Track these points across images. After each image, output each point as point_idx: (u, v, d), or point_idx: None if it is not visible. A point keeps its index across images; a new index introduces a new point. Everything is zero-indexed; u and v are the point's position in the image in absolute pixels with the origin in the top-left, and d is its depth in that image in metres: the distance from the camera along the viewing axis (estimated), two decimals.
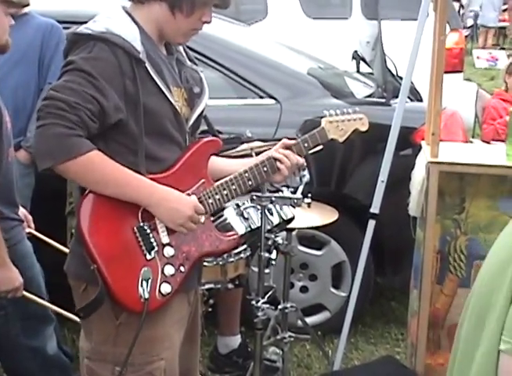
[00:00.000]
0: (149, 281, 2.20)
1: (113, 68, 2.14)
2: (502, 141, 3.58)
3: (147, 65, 2.18)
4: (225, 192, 2.34)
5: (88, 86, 2.10)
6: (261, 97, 4.13)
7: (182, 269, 2.28)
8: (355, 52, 5.27)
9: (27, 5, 3.08)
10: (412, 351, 3.59)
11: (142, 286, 2.19)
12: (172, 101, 2.24)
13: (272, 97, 4.12)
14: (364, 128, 2.60)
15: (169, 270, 2.25)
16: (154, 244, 2.23)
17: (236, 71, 4.14)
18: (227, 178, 2.36)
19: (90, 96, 2.10)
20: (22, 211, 3.17)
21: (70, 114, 2.08)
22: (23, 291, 2.94)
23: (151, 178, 2.23)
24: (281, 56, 4.68)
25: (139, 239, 2.22)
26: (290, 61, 4.59)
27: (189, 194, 2.30)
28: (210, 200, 2.32)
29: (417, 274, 3.56)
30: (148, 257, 2.22)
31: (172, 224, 2.22)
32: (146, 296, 2.18)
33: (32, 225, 3.31)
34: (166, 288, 2.24)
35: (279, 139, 2.49)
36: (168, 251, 2.25)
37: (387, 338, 4.34)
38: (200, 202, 2.30)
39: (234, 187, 2.36)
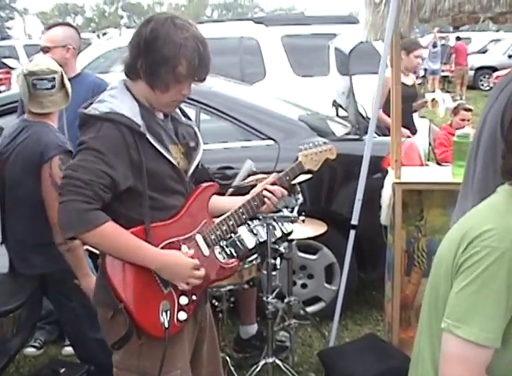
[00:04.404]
0: (168, 312, 2.06)
1: (119, 143, 1.98)
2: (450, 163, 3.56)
3: (148, 136, 2.03)
4: (224, 228, 2.21)
5: (98, 162, 1.95)
6: (263, 139, 4.09)
7: (193, 297, 2.14)
8: (334, 100, 5.28)
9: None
10: (389, 328, 3.55)
11: (162, 316, 2.05)
12: (171, 159, 2.08)
13: (271, 138, 4.09)
14: (333, 157, 2.45)
15: (183, 300, 2.11)
16: None
17: (243, 120, 4.11)
18: (225, 216, 2.23)
19: (101, 172, 1.94)
20: None
21: (86, 190, 1.92)
22: None
23: (161, 225, 2.09)
24: (277, 106, 4.66)
25: (156, 278, 2.06)
26: (284, 110, 4.57)
27: (194, 234, 2.16)
28: (212, 237, 2.18)
29: (390, 269, 3.53)
30: (164, 291, 2.08)
31: (176, 282, 2.07)
32: (167, 325, 2.04)
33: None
34: (182, 316, 2.11)
35: (279, 171, 2.38)
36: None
37: (370, 319, 4.28)
38: (204, 239, 2.17)
39: (231, 222, 2.22)
